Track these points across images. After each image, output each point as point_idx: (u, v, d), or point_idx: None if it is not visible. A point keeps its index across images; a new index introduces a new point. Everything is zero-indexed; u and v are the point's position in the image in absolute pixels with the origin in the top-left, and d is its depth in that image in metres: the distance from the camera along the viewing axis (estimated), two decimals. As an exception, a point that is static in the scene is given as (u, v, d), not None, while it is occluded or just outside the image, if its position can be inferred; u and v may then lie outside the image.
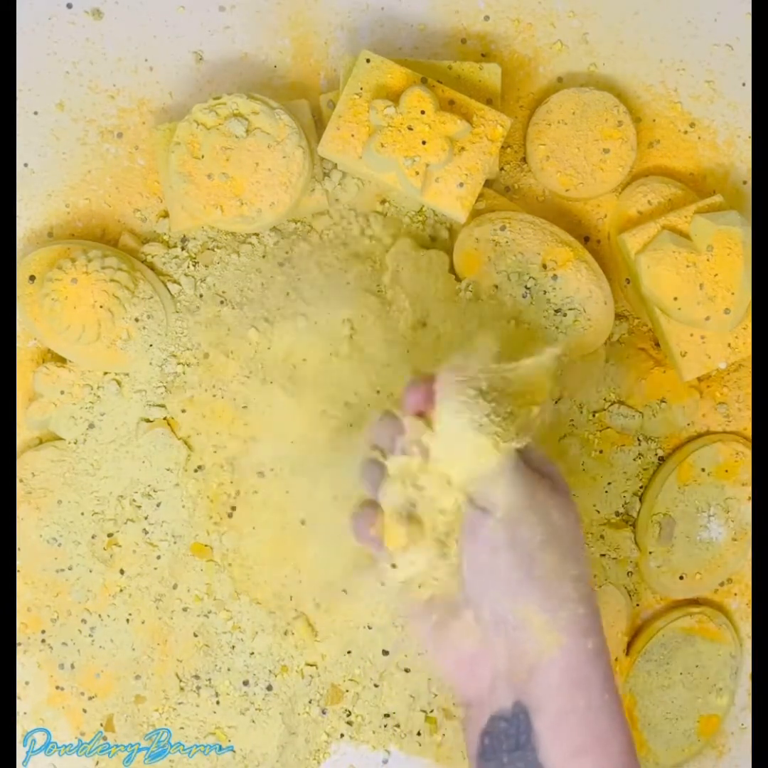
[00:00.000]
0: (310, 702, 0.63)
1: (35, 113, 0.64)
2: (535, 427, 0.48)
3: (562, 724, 0.46)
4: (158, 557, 0.62)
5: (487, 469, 0.47)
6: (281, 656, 0.62)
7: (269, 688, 0.62)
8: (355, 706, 0.63)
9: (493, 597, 0.47)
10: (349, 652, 0.62)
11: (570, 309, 0.62)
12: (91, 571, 0.62)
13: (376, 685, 0.63)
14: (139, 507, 0.62)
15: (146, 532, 0.62)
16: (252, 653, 0.62)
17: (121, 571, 0.62)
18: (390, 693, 0.63)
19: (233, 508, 0.61)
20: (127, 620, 0.62)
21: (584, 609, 0.47)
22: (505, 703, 0.47)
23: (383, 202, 0.64)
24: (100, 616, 0.62)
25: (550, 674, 0.46)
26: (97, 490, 0.62)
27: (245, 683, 0.62)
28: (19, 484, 0.62)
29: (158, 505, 0.62)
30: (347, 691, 0.63)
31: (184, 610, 0.62)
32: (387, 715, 0.63)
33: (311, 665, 0.62)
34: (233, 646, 0.62)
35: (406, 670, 0.63)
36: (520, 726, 0.46)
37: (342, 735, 0.64)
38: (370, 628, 0.62)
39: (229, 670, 0.62)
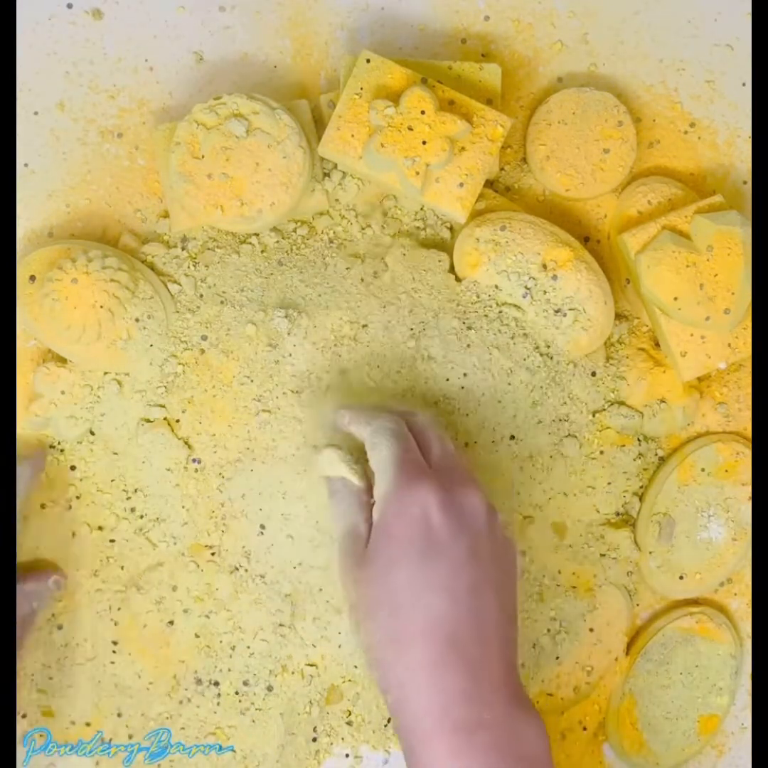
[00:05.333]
0: (310, 702, 0.63)
1: (35, 113, 0.64)
2: None
3: None
4: (158, 559, 0.62)
5: None
6: (281, 656, 0.62)
7: (269, 688, 0.62)
8: (355, 706, 0.63)
9: None
10: (349, 653, 0.62)
11: (570, 309, 0.61)
12: (94, 574, 0.62)
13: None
14: (139, 507, 0.62)
15: (146, 532, 0.62)
16: (252, 653, 0.62)
17: (121, 568, 0.62)
18: (390, 693, 0.63)
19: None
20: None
21: None
22: None
23: (383, 202, 0.64)
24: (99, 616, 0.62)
25: None
26: (98, 490, 0.62)
27: (245, 683, 0.62)
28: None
29: (158, 505, 0.62)
30: (347, 691, 0.63)
31: (185, 611, 0.62)
32: (388, 718, 0.63)
33: (311, 665, 0.62)
34: (233, 647, 0.62)
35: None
36: None
37: (343, 738, 0.64)
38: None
39: (229, 670, 0.62)
